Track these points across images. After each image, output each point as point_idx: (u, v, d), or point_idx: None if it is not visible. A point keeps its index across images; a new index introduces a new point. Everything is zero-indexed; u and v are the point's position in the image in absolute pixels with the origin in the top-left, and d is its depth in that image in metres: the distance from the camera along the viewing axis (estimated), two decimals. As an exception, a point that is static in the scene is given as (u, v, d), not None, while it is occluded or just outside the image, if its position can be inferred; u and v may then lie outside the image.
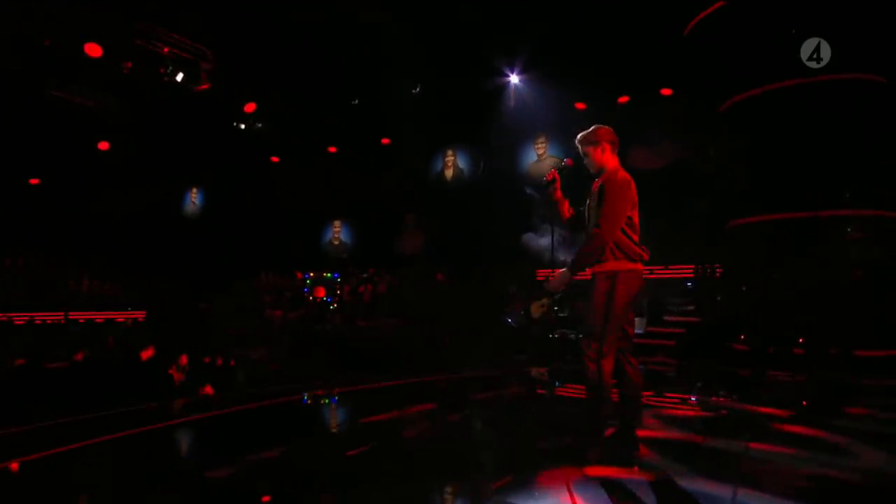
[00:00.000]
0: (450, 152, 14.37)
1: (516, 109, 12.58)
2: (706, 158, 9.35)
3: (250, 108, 13.56)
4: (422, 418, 4.97)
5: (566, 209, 3.62)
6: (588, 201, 3.52)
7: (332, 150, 14.92)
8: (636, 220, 3.39)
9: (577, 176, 3.68)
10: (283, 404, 5.76)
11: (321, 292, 13.21)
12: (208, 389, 6.62)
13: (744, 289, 7.93)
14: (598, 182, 3.46)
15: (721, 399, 5.54)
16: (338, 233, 15.74)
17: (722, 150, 8.89)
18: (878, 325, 6.70)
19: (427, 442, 4.23)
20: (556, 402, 5.62)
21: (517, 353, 9.34)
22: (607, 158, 3.43)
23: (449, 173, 14.36)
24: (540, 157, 13.49)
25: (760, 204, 8.00)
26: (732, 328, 7.52)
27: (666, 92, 11.40)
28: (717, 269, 8.84)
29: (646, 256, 3.37)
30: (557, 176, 3.55)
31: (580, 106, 12.40)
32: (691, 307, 9.62)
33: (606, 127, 3.53)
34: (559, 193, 3.56)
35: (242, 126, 13.68)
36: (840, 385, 5.98)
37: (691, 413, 4.96)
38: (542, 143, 13.47)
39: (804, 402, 5.24)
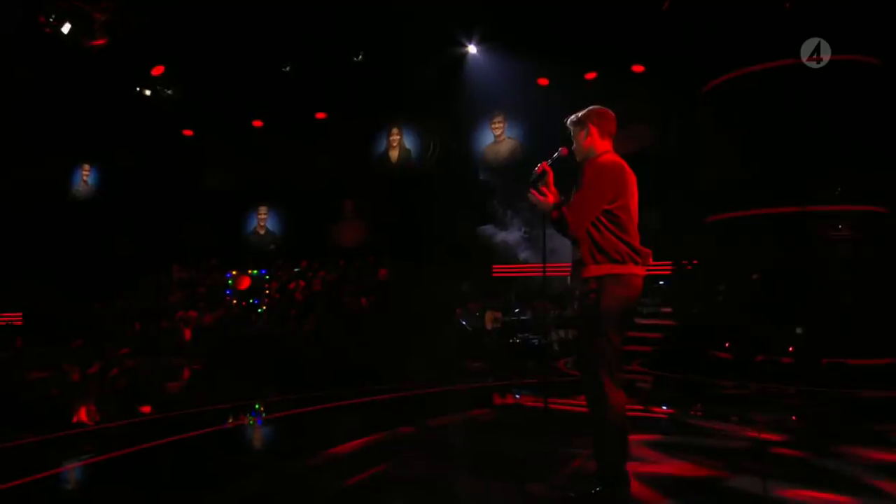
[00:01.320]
0: (395, 131, 14.03)
1: (472, 84, 12.32)
2: (681, 144, 9.17)
3: (158, 70, 12.57)
4: (371, 458, 4.38)
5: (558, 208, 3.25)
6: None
7: (258, 123, 14.35)
8: (633, 212, 3.10)
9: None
10: (188, 442, 4.98)
11: (245, 283, 12.31)
12: (83, 415, 5.78)
13: (723, 289, 7.83)
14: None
15: (710, 422, 5.28)
16: (263, 221, 15.13)
17: (705, 137, 8.73)
18: (872, 330, 6.69)
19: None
20: (531, 428, 5.19)
21: (473, 362, 9.17)
22: (594, 144, 3.20)
23: (394, 154, 14.04)
24: (497, 138, 13.31)
25: (746, 197, 7.93)
26: (714, 334, 7.41)
27: (638, 69, 11.36)
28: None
29: (640, 259, 3.05)
30: (549, 168, 3.24)
31: (543, 82, 12.26)
32: (667, 309, 9.55)
33: (601, 108, 3.29)
34: (552, 189, 3.21)
35: (148, 92, 12.76)
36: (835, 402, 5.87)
37: (683, 438, 4.68)
38: (499, 122, 13.27)
39: (802, 425, 5.11)
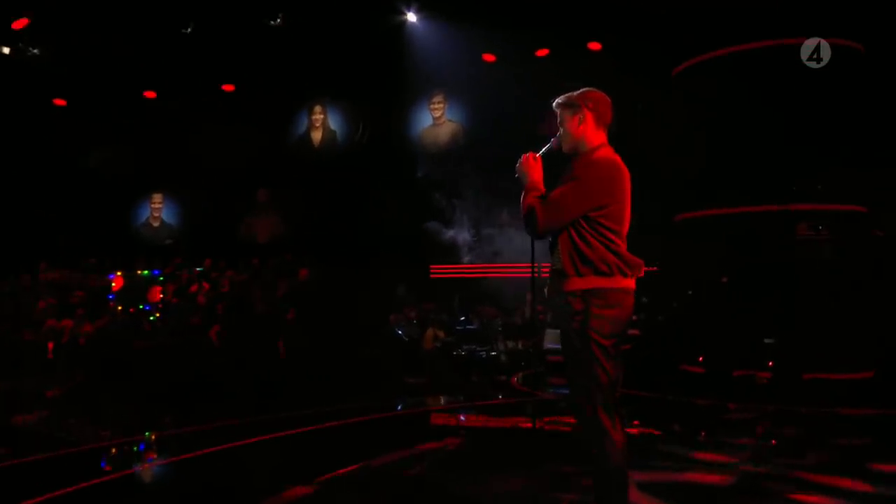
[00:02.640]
0: (318, 109, 13.89)
1: (410, 57, 12.07)
2: (646, 134, 9.10)
3: (20, 24, 11.37)
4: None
5: None
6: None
7: (150, 94, 13.67)
8: (626, 218, 2.97)
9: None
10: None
11: (118, 283, 11.35)
12: None
13: (693, 295, 7.76)
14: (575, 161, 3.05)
15: (689, 450, 5.08)
16: (158, 211, 14.60)
17: (673, 126, 8.77)
18: (853, 341, 6.74)
19: None
20: (504, 463, 4.77)
21: (409, 377, 8.90)
22: (588, 132, 3.02)
23: (317, 136, 13.77)
24: (436, 120, 13.17)
25: (717, 193, 7.87)
26: (685, 345, 7.31)
27: (594, 47, 11.38)
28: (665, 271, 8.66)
29: (630, 271, 2.90)
30: (539, 161, 3.11)
31: (488, 58, 12.17)
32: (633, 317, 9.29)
33: (597, 91, 3.12)
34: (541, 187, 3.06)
35: (7, 50, 11.70)
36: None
37: (663, 474, 4.47)
38: (439, 103, 13.13)
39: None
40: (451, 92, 12.87)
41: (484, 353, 9.42)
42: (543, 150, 3.09)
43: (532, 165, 3.05)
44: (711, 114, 8.08)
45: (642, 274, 2.90)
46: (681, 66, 8.57)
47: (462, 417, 6.66)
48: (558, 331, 10.58)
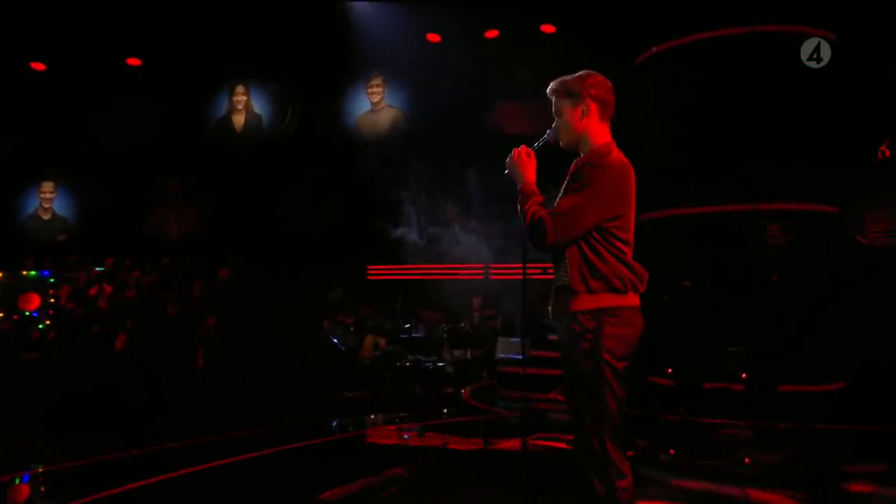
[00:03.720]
0: (241, 89, 13.62)
1: (346, 36, 12.05)
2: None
3: None
4: None
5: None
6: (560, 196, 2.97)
7: (39, 66, 13.13)
8: (631, 227, 2.89)
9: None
10: None
11: (34, 303, 10.75)
12: None
13: (665, 299, 7.76)
14: (576, 163, 2.93)
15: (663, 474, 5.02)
16: (48, 202, 14.12)
17: (634, 119, 8.58)
18: (824, 350, 6.85)
19: None
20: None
21: (347, 391, 8.71)
22: (591, 126, 2.92)
23: (239, 120, 13.65)
24: (375, 105, 13.09)
25: (680, 192, 7.93)
26: (651, 354, 7.25)
27: (548, 29, 11.38)
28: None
29: (641, 286, 2.86)
30: (532, 156, 2.98)
31: (433, 38, 12.17)
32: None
33: (599, 75, 2.97)
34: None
35: None
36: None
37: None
38: (377, 86, 13.05)
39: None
40: (391, 75, 12.84)
41: (431, 364, 9.33)
42: (538, 143, 2.95)
43: (526, 163, 2.91)
44: (677, 106, 8.10)
45: (643, 286, 2.82)
46: (645, 55, 8.56)
47: (407, 436, 6.53)
48: (511, 339, 10.48)
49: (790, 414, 6.44)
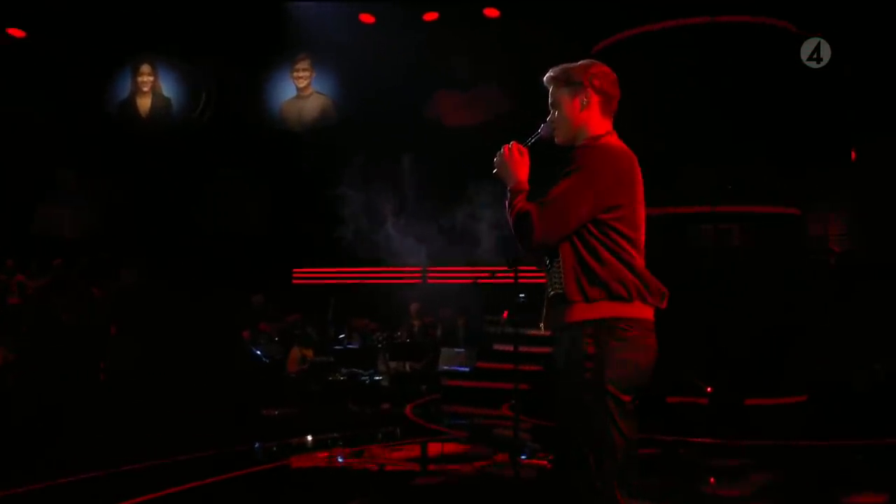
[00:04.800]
0: (147, 69, 13.18)
1: (269, 15, 11.82)
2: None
3: None
4: None
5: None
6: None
7: None
8: (639, 224, 2.74)
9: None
10: None
11: None
12: None
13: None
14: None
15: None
16: None
17: None
18: (785, 361, 7.00)
19: None
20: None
21: (270, 408, 8.50)
22: (592, 120, 2.82)
23: (144, 104, 13.22)
24: (301, 91, 12.87)
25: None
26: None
27: (492, 13, 11.33)
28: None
29: (652, 297, 2.67)
30: (525, 154, 2.87)
31: (367, 19, 12.06)
32: (546, 331, 9.23)
33: (602, 65, 2.87)
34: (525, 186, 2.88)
35: None
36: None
37: None
38: (304, 71, 12.83)
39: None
40: (319, 58, 12.65)
41: (367, 378, 9.16)
42: (531, 139, 2.84)
43: (517, 161, 2.78)
44: (634, 100, 8.13)
45: (665, 305, 2.67)
46: (601, 44, 8.58)
47: (341, 460, 6.29)
48: (455, 350, 10.27)
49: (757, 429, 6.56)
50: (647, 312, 2.62)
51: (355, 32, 11.77)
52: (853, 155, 7.92)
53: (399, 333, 10.09)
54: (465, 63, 11.19)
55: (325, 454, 6.40)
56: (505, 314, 10.59)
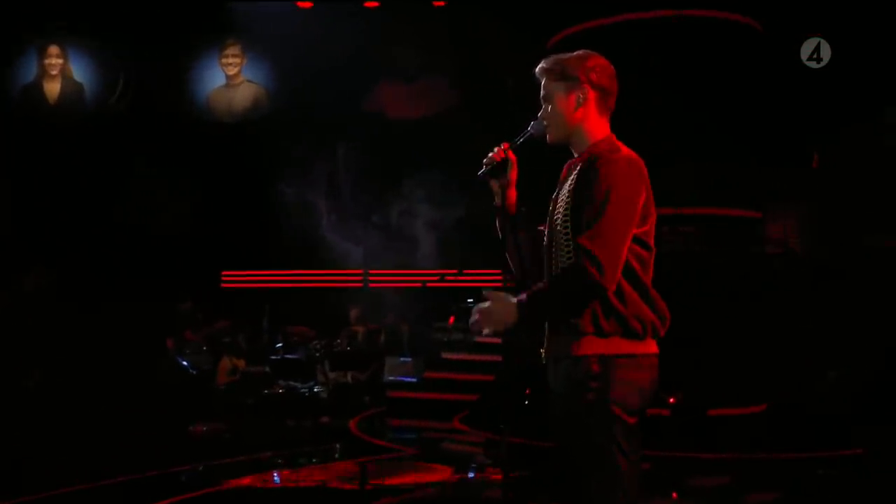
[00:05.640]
0: (55, 51, 12.69)
1: None
2: (515, 116, 9.07)
3: None
4: None
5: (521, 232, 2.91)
6: (555, 204, 2.79)
7: None
8: (651, 243, 2.71)
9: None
10: None
11: None
12: None
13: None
14: (577, 160, 2.76)
15: None
16: None
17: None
18: (744, 369, 7.11)
19: None
20: None
21: (198, 424, 8.27)
22: (588, 118, 2.75)
23: (52, 89, 12.71)
24: (231, 79, 12.62)
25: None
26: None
27: (438, 2, 11.41)
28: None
29: (662, 330, 2.69)
30: (512, 155, 2.79)
31: (303, 4, 12.00)
32: (494, 338, 9.20)
33: (602, 59, 2.80)
34: (513, 189, 2.82)
35: None
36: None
37: None
38: (234, 57, 12.60)
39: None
40: (251, 44, 12.41)
41: (307, 391, 9.02)
42: (519, 139, 2.76)
43: (500, 309, 2.55)
44: None
45: (665, 327, 2.64)
46: (558, 36, 8.63)
47: (277, 479, 6.19)
48: (400, 359, 10.23)
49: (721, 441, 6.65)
50: (655, 347, 2.62)
51: (290, 17, 11.59)
52: (815, 159, 8.14)
53: (339, 341, 9.93)
54: (409, 53, 11.17)
55: (261, 475, 6.22)
56: (451, 319, 10.70)
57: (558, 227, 2.66)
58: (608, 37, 8.19)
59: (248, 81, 12.46)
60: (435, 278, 9.60)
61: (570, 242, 2.57)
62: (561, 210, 2.64)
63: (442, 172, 10.06)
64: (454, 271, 9.80)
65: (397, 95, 11.56)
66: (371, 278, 11.41)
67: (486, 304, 2.58)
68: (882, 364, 7.81)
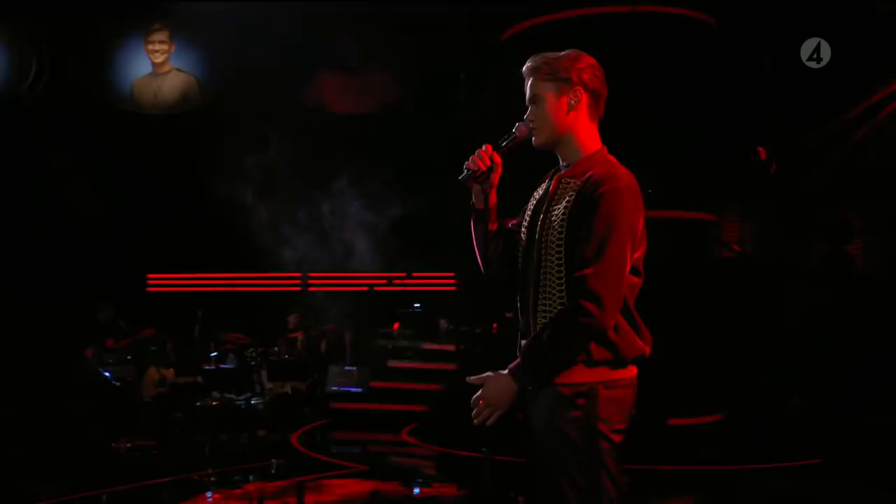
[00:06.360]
0: None
1: None
2: (468, 111, 9.32)
3: None
4: None
5: (493, 226, 2.85)
6: (530, 212, 2.77)
7: None
8: (642, 269, 2.74)
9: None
10: None
11: None
12: None
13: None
14: (569, 176, 2.70)
15: None
16: None
17: (505, 105, 8.58)
18: (700, 378, 7.27)
19: None
20: None
21: (122, 440, 8.09)
22: (579, 124, 2.71)
23: None
24: (157, 68, 12.35)
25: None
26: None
27: None
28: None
29: (647, 355, 2.74)
30: (498, 159, 2.72)
31: None
32: (448, 346, 9.48)
33: (592, 59, 2.76)
34: (493, 197, 2.79)
35: None
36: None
37: None
38: (161, 44, 12.34)
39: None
40: (180, 30, 12.15)
41: (243, 403, 8.70)
42: (505, 141, 2.70)
43: (499, 390, 2.55)
44: None
45: (649, 350, 2.70)
46: (514, 29, 8.59)
47: (209, 498, 6.13)
48: (345, 368, 10.18)
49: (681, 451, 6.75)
50: (634, 371, 2.65)
51: (223, 1, 11.35)
52: (762, 154, 8.27)
53: (277, 349, 9.72)
54: (352, 44, 11.10)
55: (192, 498, 6.10)
56: (395, 326, 10.64)
57: (551, 248, 2.61)
58: (564, 31, 8.18)
59: (177, 70, 12.18)
60: (382, 282, 9.55)
61: (563, 269, 2.54)
62: (555, 232, 2.59)
63: (384, 170, 10.03)
64: (402, 274, 9.78)
65: (338, 88, 11.45)
66: (311, 281, 11.31)
67: (478, 392, 2.55)
68: (838, 371, 8.07)
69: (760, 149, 7.84)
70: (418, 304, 10.35)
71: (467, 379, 2.62)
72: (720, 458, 6.95)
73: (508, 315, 8.16)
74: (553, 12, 8.25)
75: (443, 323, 10.06)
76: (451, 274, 10.25)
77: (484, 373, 2.60)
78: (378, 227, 10.15)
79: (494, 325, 8.53)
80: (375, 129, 10.90)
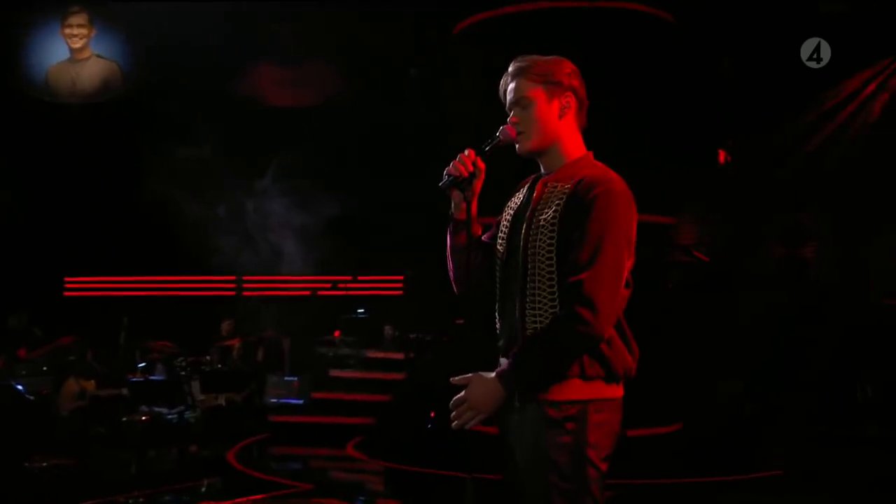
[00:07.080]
0: None
1: None
2: (417, 109, 9.35)
3: None
4: None
5: (475, 232, 2.82)
6: (509, 221, 2.77)
7: None
8: (631, 280, 2.77)
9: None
10: None
11: None
12: None
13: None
14: (555, 180, 2.69)
15: None
16: None
17: (456, 101, 8.72)
18: (657, 387, 7.31)
19: None
20: None
21: (38, 458, 7.77)
22: (568, 130, 2.72)
23: None
24: (76, 53, 12.04)
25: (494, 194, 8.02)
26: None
27: None
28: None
29: (633, 367, 2.75)
30: (482, 165, 2.69)
31: None
32: (396, 354, 9.46)
33: (573, 64, 2.78)
34: (475, 206, 2.76)
35: None
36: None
37: None
38: (79, 28, 12.03)
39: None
40: (100, 13, 11.88)
41: (174, 416, 8.57)
42: (488, 145, 2.67)
43: (485, 395, 2.55)
44: (496, 91, 8.16)
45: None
46: (465, 23, 8.55)
47: None
48: (285, 378, 10.05)
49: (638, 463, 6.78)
50: (621, 389, 2.66)
51: None
52: (721, 156, 8.44)
53: (209, 358, 9.59)
54: (292, 33, 10.94)
55: None
56: (336, 333, 10.53)
57: (540, 255, 2.56)
58: (519, 25, 8.21)
59: (97, 56, 11.84)
60: (326, 285, 9.45)
61: (554, 275, 2.51)
62: (545, 238, 2.54)
63: (324, 168, 9.97)
64: (348, 277, 9.69)
65: (276, 79, 11.28)
66: (246, 285, 11.21)
67: (461, 393, 2.53)
68: (797, 379, 8.28)
69: (720, 151, 7.98)
70: (362, 310, 10.32)
71: (452, 379, 2.56)
72: (679, 471, 6.99)
73: (458, 321, 8.16)
74: (508, 5, 8.22)
75: (388, 329, 10.03)
76: (399, 277, 10.26)
77: (456, 378, 2.53)
78: (315, 227, 10.06)
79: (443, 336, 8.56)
80: (317, 124, 10.79)
